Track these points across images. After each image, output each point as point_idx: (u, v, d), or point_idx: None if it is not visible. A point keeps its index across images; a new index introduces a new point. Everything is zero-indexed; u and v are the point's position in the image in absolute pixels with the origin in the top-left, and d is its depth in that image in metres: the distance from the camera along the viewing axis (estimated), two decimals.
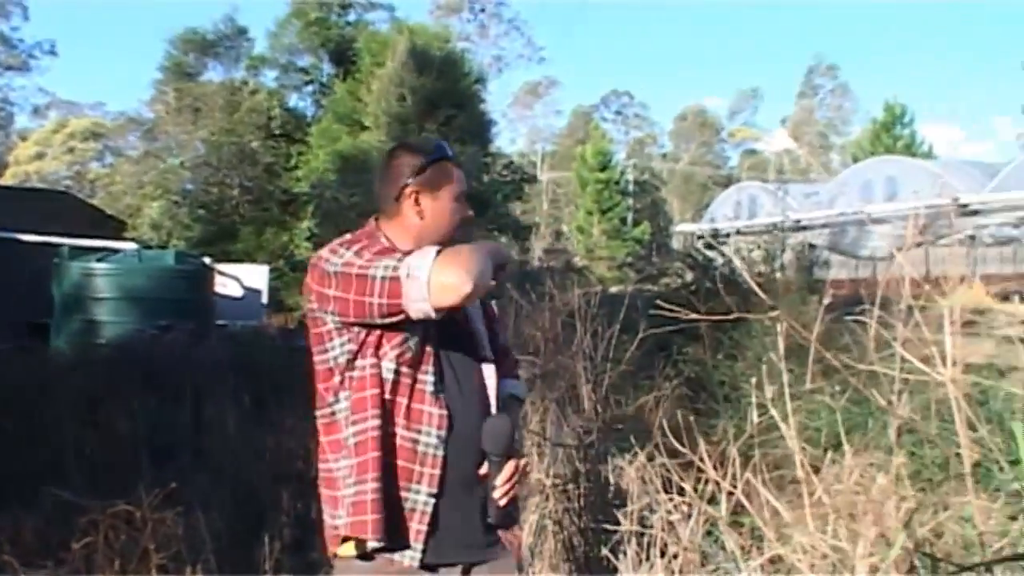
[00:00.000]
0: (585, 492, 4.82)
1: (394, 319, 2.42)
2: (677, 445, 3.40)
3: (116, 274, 14.88)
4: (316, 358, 2.58)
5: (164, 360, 10.53)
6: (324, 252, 2.54)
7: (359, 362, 2.53)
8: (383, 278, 2.37)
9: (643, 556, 4.01)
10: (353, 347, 2.52)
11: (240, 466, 6.67)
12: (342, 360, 2.53)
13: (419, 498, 2.53)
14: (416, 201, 2.64)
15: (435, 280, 2.32)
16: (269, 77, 36.32)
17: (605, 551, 4.16)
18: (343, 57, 33.31)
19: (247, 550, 4.99)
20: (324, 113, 33.01)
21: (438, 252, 2.37)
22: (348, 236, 2.64)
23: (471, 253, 2.42)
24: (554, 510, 4.83)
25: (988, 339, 7.29)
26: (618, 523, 4.26)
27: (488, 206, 27.02)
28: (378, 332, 2.51)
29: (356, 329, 2.50)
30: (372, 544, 2.46)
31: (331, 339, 2.53)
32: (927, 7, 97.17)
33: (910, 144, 48.69)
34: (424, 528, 2.52)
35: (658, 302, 3.42)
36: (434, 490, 2.54)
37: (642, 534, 4.07)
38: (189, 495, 5.04)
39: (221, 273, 18.90)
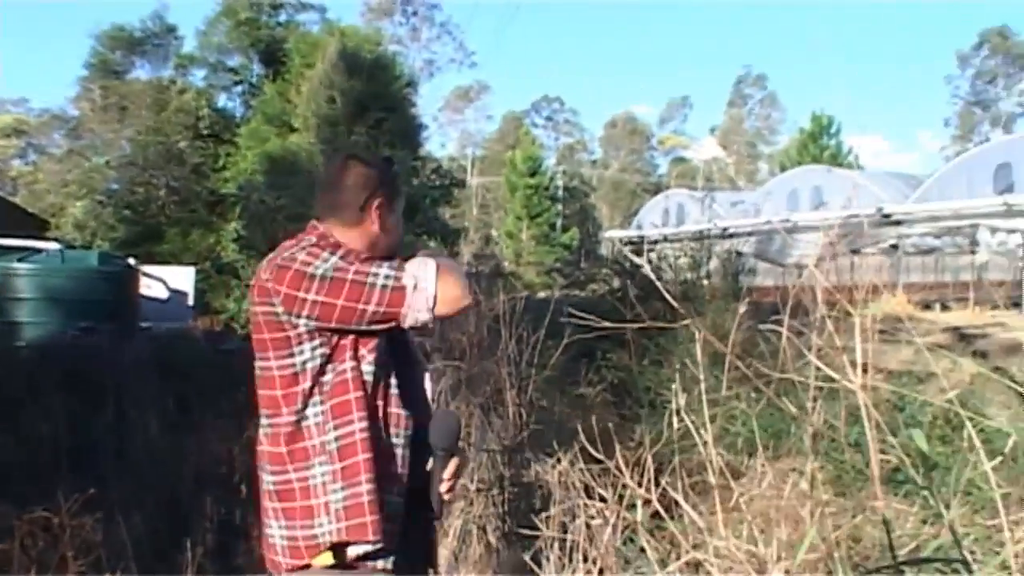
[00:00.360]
0: (509, 497, 4.84)
1: (382, 326, 2.49)
2: (594, 452, 3.43)
3: (38, 274, 14.58)
4: (274, 363, 2.53)
5: (86, 363, 10.36)
6: (298, 255, 2.51)
7: (334, 366, 2.53)
8: (384, 287, 2.44)
9: (565, 560, 4.04)
10: (326, 351, 2.52)
11: (163, 471, 6.59)
12: (313, 365, 2.51)
13: (394, 500, 2.55)
14: (380, 213, 2.69)
15: (442, 292, 2.46)
16: (198, 76, 35.95)
17: (528, 556, 4.18)
18: (273, 58, 33.05)
19: (169, 556, 4.94)
20: (253, 114, 32.72)
21: (437, 265, 2.48)
22: (310, 239, 2.61)
23: (459, 268, 2.60)
24: (478, 515, 4.84)
25: (908, 347, 7.42)
26: (541, 528, 4.29)
27: (417, 210, 26.95)
28: (351, 336, 2.53)
29: (328, 333, 2.51)
30: (363, 549, 2.47)
31: (299, 343, 2.51)
32: (855, 21, 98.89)
33: (836, 154, 49.49)
34: (398, 530, 2.55)
35: (570, 310, 3.45)
36: (404, 491, 2.58)
37: (564, 539, 4.10)
38: (110, 500, 4.97)
39: (146, 275, 18.62)
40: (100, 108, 34.89)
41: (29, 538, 4.31)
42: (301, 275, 2.45)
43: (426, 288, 2.45)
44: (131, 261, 17.86)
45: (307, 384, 2.51)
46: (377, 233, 2.69)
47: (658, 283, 3.94)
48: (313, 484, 2.50)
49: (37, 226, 25.65)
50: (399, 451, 2.58)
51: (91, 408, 8.37)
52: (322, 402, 2.51)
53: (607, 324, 3.17)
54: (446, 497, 2.69)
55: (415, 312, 2.46)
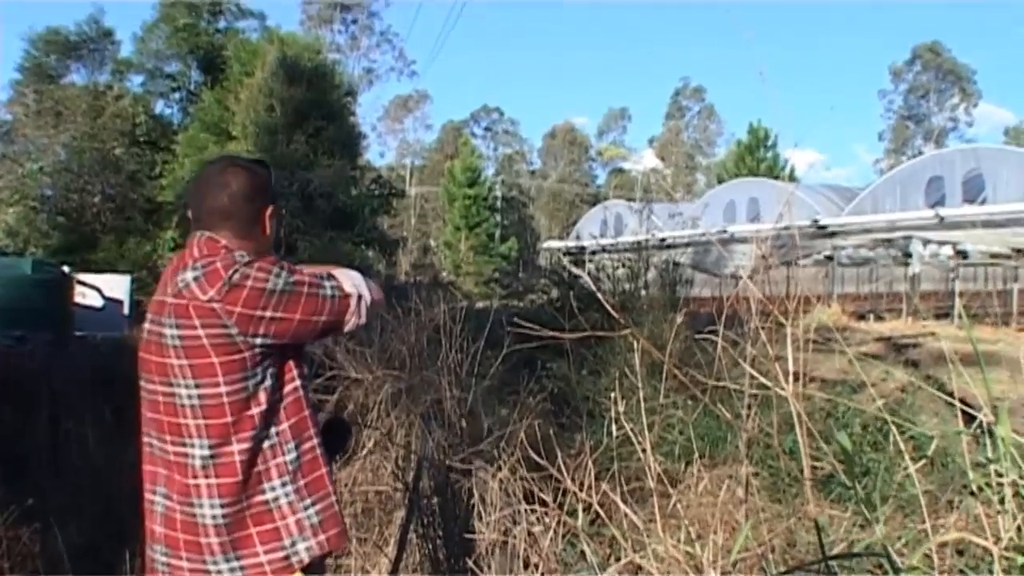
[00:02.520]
0: (450, 505, 4.87)
1: (324, 336, 2.57)
2: (537, 458, 3.47)
3: None
4: (223, 389, 2.41)
5: (19, 372, 10.20)
6: (247, 272, 2.40)
7: (285, 384, 2.52)
8: (333, 297, 2.48)
9: (507, 567, 4.08)
10: (275, 370, 2.48)
11: (100, 481, 6.52)
12: (266, 385, 2.45)
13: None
14: (271, 221, 2.66)
15: (375, 299, 2.58)
16: (135, 82, 35.67)
17: (470, 563, 4.21)
18: (212, 64, 32.86)
19: (107, 566, 4.90)
20: (191, 121, 32.50)
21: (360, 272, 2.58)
22: (241, 255, 2.47)
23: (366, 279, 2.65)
24: (419, 523, 4.87)
25: (842, 356, 7.56)
26: (482, 535, 4.32)
27: (356, 220, 26.92)
28: (289, 353, 2.53)
29: (276, 352, 2.47)
30: (312, 557, 2.48)
31: (254, 365, 2.42)
32: (793, 35, 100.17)
33: (773, 166, 50.12)
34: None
35: (516, 319, 3.49)
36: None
37: (505, 544, 4.14)
38: (46, 511, 4.92)
39: (80, 282, 18.39)
40: (34, 113, 34.39)
41: None
42: (258, 293, 2.38)
43: (365, 295, 2.53)
44: (65, 268, 17.64)
45: (262, 407, 2.43)
46: (264, 240, 2.64)
47: (599, 293, 3.99)
48: (276, 506, 2.45)
49: None
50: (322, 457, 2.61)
51: (25, 418, 8.25)
52: (277, 423, 2.47)
53: (548, 333, 3.21)
54: None
55: (357, 318, 2.52)
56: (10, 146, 37.15)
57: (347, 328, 2.53)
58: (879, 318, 22.55)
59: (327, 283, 2.49)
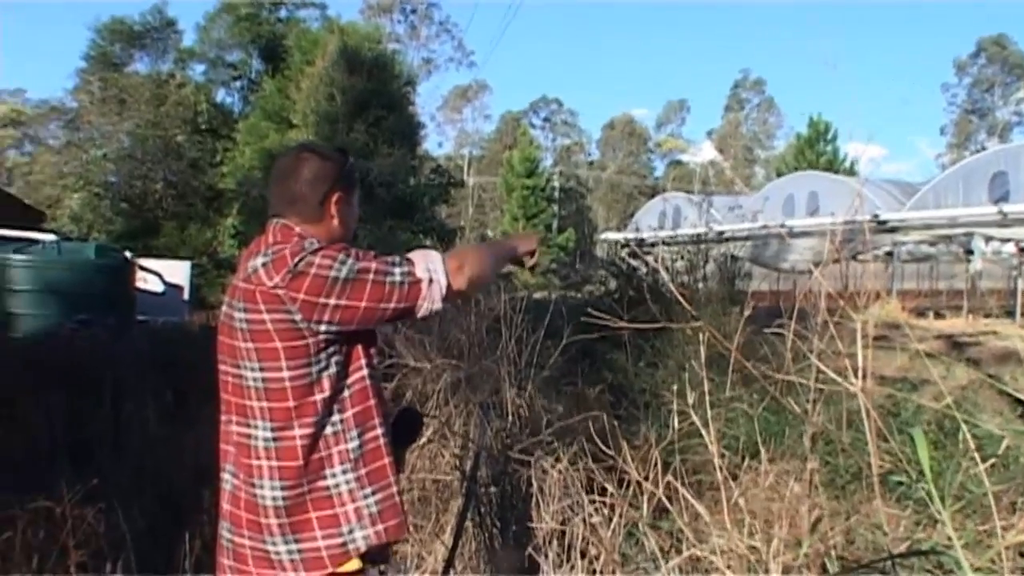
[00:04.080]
0: (507, 495, 4.87)
1: (396, 321, 2.58)
2: (602, 447, 3.47)
3: (34, 266, 14.54)
4: (286, 374, 2.45)
5: (83, 355, 10.34)
6: (312, 259, 2.42)
7: (351, 373, 2.54)
8: (402, 283, 2.46)
9: (564, 557, 4.08)
10: (341, 358, 2.51)
11: (160, 464, 6.60)
12: (329, 373, 2.47)
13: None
14: (339, 207, 2.66)
15: (453, 281, 2.53)
16: (197, 71, 36.16)
17: (526, 553, 4.22)
18: (273, 54, 33.14)
19: (167, 548, 4.95)
20: (252, 109, 32.83)
21: (442, 256, 2.54)
22: (311, 242, 2.51)
23: (475, 256, 2.64)
24: (476, 512, 4.87)
25: (903, 353, 7.47)
26: (540, 525, 4.32)
27: (415, 209, 27.00)
28: (358, 340, 2.54)
29: (343, 339, 2.50)
30: (369, 545, 2.50)
31: (317, 351, 2.45)
32: (854, 27, 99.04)
33: (833, 160, 49.61)
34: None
35: (590, 310, 3.48)
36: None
37: (563, 536, 4.14)
38: (108, 492, 4.98)
39: (142, 268, 18.64)
40: (99, 100, 34.93)
41: (30, 528, 4.33)
42: (322, 280, 2.39)
43: (439, 280, 2.49)
44: (128, 254, 17.85)
45: (325, 394, 2.46)
46: (336, 227, 2.66)
47: (669, 284, 3.97)
48: (337, 492, 2.47)
49: (34, 217, 25.60)
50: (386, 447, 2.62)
51: (88, 401, 8.36)
52: (341, 410, 2.49)
53: (621, 324, 3.20)
54: None
55: (430, 303, 2.50)
56: (75, 133, 37.77)
57: (420, 314, 2.51)
58: (939, 315, 22.20)
59: (396, 269, 2.47)
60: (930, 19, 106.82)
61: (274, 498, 2.47)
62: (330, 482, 2.47)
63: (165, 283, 20.21)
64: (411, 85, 32.75)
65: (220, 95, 35.78)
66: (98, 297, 14.25)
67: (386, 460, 2.54)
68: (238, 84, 35.36)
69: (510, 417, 5.34)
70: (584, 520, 4.02)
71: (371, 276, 2.43)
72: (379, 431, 2.54)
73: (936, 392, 5.72)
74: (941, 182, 31.13)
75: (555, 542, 4.19)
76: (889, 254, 26.93)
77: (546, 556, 4.15)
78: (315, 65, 28.09)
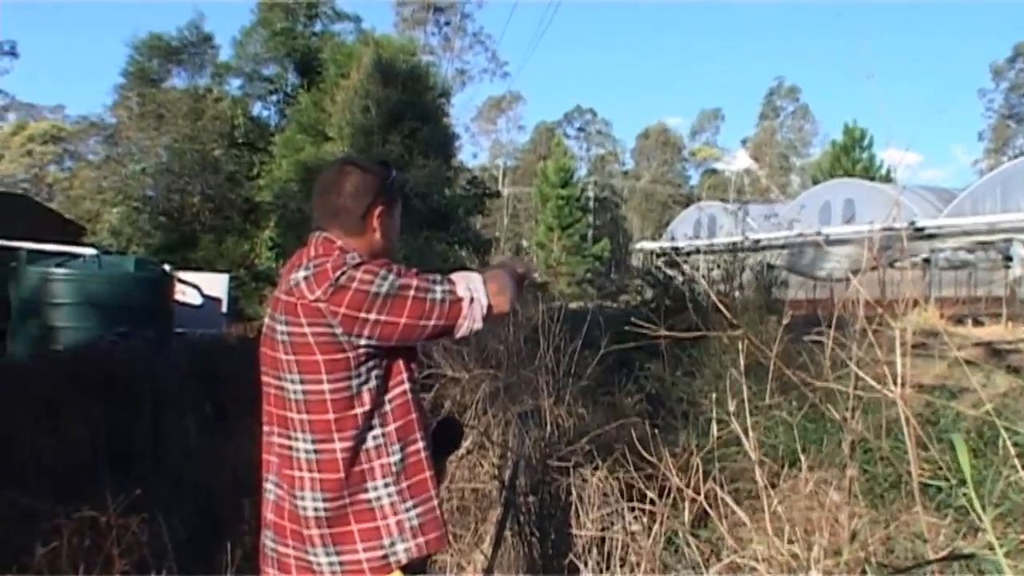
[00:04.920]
0: (546, 504, 4.88)
1: (436, 339, 2.56)
2: (644, 455, 3.48)
3: (75, 279, 14.67)
4: (327, 387, 2.47)
5: (123, 367, 10.44)
6: (354, 274, 2.44)
7: (392, 387, 2.56)
8: (443, 301, 2.48)
9: (604, 566, 4.08)
10: (381, 372, 2.53)
11: (200, 475, 6.65)
12: (370, 387, 2.49)
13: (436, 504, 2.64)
14: (381, 220, 2.67)
15: (494, 303, 2.54)
16: (233, 85, 36.28)
17: (568, 560, 4.23)
18: (308, 67, 33.27)
19: (208, 558, 4.99)
20: (288, 123, 32.94)
21: (483, 277, 2.55)
22: (353, 256, 2.53)
23: (504, 278, 2.62)
24: (515, 521, 4.89)
25: (941, 361, 7.41)
26: (579, 533, 4.33)
27: (450, 220, 27.04)
28: (399, 355, 2.57)
29: (383, 353, 2.52)
30: (411, 558, 2.52)
31: (357, 365, 2.47)
32: (889, 34, 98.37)
33: (869, 167, 49.26)
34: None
35: (633, 319, 3.49)
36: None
37: (602, 543, 4.14)
38: (150, 502, 5.03)
39: (181, 281, 18.75)
40: (137, 115, 35.20)
41: (76, 537, 4.38)
42: (363, 295, 2.41)
43: (480, 299, 2.50)
44: (166, 267, 17.98)
45: (366, 407, 2.48)
46: (378, 240, 2.67)
47: (711, 294, 3.97)
48: (379, 505, 2.49)
49: (74, 232, 25.87)
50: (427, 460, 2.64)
51: (129, 412, 8.44)
52: (383, 424, 2.51)
53: (662, 333, 3.21)
54: None
55: (471, 322, 2.51)
56: (114, 148, 38.09)
57: (459, 333, 2.53)
58: (978, 323, 22.01)
59: (438, 287, 2.49)
60: (966, 24, 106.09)
61: (316, 509, 2.49)
62: (372, 495, 2.49)
63: (203, 295, 20.34)
64: (445, 97, 32.79)
65: (256, 109, 35.97)
66: (137, 310, 14.37)
67: (427, 473, 2.56)
68: (274, 98, 35.52)
69: (548, 426, 5.35)
70: (624, 528, 4.03)
71: (412, 292, 2.45)
72: (420, 444, 2.56)
73: (975, 400, 5.68)
74: (979, 188, 30.87)
75: (594, 550, 4.20)
76: (926, 261, 26.74)
77: (585, 564, 4.16)
78: (350, 78, 28.19)
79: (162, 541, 4.78)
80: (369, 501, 2.48)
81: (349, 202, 2.63)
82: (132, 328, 13.33)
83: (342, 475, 2.48)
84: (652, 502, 3.61)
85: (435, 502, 2.56)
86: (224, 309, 21.68)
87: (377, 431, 2.49)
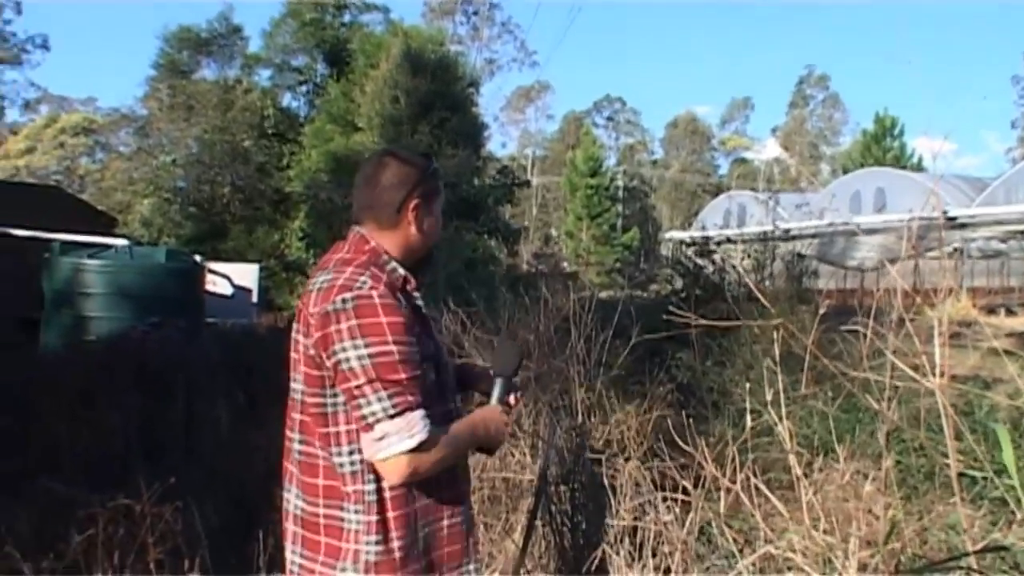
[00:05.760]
0: (577, 493, 4.88)
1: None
2: (680, 444, 3.46)
3: (107, 270, 14.78)
4: (310, 399, 2.47)
5: (155, 357, 10.51)
6: (349, 311, 2.35)
7: None
8: (364, 416, 2.34)
9: (635, 555, 4.08)
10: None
11: (233, 463, 6.70)
12: (346, 412, 2.42)
13: (463, 515, 2.67)
14: (417, 214, 2.60)
15: (382, 468, 2.38)
16: (263, 76, 36.40)
17: (602, 549, 4.22)
18: (337, 58, 33.31)
19: (241, 546, 5.02)
20: (317, 113, 32.99)
21: (420, 443, 2.35)
22: (353, 266, 2.46)
23: (441, 454, 2.43)
24: (546, 510, 4.89)
25: (974, 351, 7.36)
26: (611, 523, 4.33)
27: (479, 209, 27.01)
28: None
29: None
30: None
31: (331, 385, 2.42)
32: (920, 21, 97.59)
33: (900, 156, 48.96)
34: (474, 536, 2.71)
35: (668, 308, 3.48)
36: (467, 496, 2.72)
37: (634, 534, 4.14)
38: (183, 491, 5.06)
39: (212, 271, 18.87)
40: (168, 107, 35.40)
41: (111, 525, 4.41)
42: (336, 341, 2.34)
43: (383, 448, 2.35)
44: (197, 258, 18.08)
45: (339, 428, 2.43)
46: (414, 234, 2.60)
47: (747, 280, 3.95)
48: (347, 528, 2.44)
49: (106, 223, 26.00)
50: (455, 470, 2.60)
51: (162, 402, 8.50)
52: (361, 451, 2.42)
53: (701, 322, 3.20)
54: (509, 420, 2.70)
55: (366, 448, 2.38)
56: (145, 140, 38.35)
57: (366, 451, 2.40)
58: (1011, 313, 21.81)
59: (379, 406, 2.33)
60: (998, 10, 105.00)
61: (295, 506, 2.53)
62: (344, 515, 2.44)
63: (234, 286, 20.47)
64: (474, 86, 32.72)
65: (286, 99, 36.06)
66: (169, 300, 14.47)
67: (398, 512, 2.45)
68: (303, 88, 35.57)
69: (580, 416, 5.35)
70: (656, 518, 4.02)
71: (361, 381, 2.34)
72: (395, 485, 2.45)
73: (1010, 390, 5.63)
74: (1012, 177, 30.56)
75: (626, 540, 4.20)
76: (959, 251, 26.53)
77: (617, 553, 4.15)
78: (379, 68, 28.18)
79: (195, 530, 4.81)
80: (341, 520, 2.45)
81: (384, 195, 2.57)
82: (164, 318, 13.43)
83: (319, 482, 2.47)
84: (686, 491, 3.60)
85: (398, 544, 2.44)
86: (254, 299, 21.80)
87: (356, 456, 2.42)
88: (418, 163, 2.65)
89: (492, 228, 28.14)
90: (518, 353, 2.74)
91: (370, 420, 2.33)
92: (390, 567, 2.43)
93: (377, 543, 2.42)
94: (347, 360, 2.32)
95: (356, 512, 2.43)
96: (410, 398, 2.34)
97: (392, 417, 2.32)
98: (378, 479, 2.42)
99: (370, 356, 2.32)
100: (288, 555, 2.55)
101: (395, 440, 2.32)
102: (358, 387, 2.33)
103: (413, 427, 2.33)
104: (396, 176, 2.59)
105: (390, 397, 2.32)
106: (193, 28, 35.39)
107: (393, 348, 2.33)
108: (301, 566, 2.51)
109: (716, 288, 9.52)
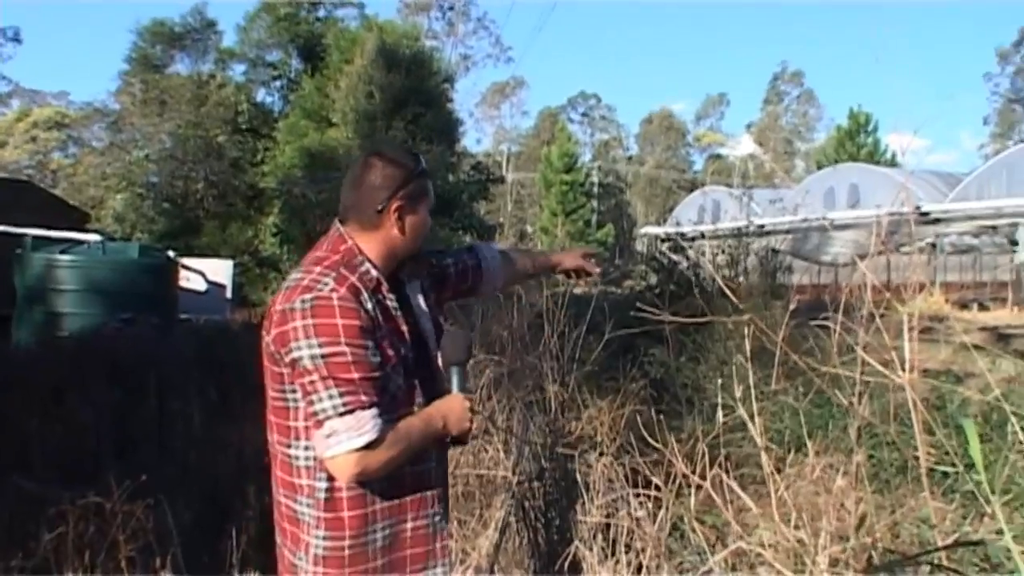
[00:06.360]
0: (551, 489, 4.88)
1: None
2: (648, 442, 3.46)
3: (79, 266, 14.71)
4: (271, 393, 2.49)
5: (128, 353, 10.46)
6: (308, 312, 2.34)
7: None
8: (317, 412, 2.33)
9: (609, 552, 4.08)
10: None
11: (205, 460, 6.66)
12: (303, 407, 2.41)
13: (427, 520, 2.64)
14: (399, 216, 2.56)
15: (330, 465, 2.37)
16: (237, 71, 36.37)
17: (572, 547, 4.22)
18: (312, 53, 33.27)
19: (213, 544, 5.00)
20: (292, 109, 32.95)
21: (368, 443, 2.32)
22: (322, 266, 2.45)
23: (392, 452, 2.39)
24: (519, 507, 4.89)
25: (946, 346, 7.41)
26: (583, 520, 4.33)
27: (454, 206, 27.03)
28: None
29: None
30: None
31: (289, 382, 2.42)
32: (893, 18, 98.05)
33: (874, 152, 49.24)
34: (443, 541, 2.66)
35: (639, 304, 3.48)
36: (440, 501, 2.68)
37: (607, 530, 4.14)
38: (155, 488, 5.03)
39: (185, 267, 18.79)
40: (140, 102, 35.28)
41: (82, 523, 4.39)
42: (291, 338, 2.34)
43: (331, 445, 2.33)
44: (170, 253, 18.01)
45: (299, 423, 2.44)
46: (396, 236, 2.56)
47: (717, 277, 3.96)
48: (303, 519, 2.47)
49: (78, 218, 25.87)
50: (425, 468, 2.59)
51: (134, 398, 8.45)
52: (315, 447, 2.41)
53: (670, 318, 3.20)
54: (472, 418, 2.63)
55: (316, 445, 2.38)
56: (118, 134, 38.18)
57: (318, 448, 2.38)
58: (983, 307, 21.97)
59: (330, 404, 2.32)
60: (971, 7, 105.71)
61: (275, 495, 2.56)
62: (298, 508, 2.47)
63: (208, 282, 20.39)
64: (449, 82, 32.73)
65: (260, 95, 36.00)
66: (142, 296, 14.42)
67: (347, 514, 2.45)
68: (278, 84, 35.51)
69: (553, 412, 5.35)
70: (629, 514, 4.02)
71: (315, 377, 2.33)
72: (352, 485, 2.45)
73: (981, 385, 5.67)
74: (984, 172, 30.81)
75: (599, 536, 4.20)
76: (932, 246, 26.70)
77: (591, 550, 4.15)
78: (353, 63, 28.16)
79: (167, 527, 4.78)
80: (296, 512, 2.48)
81: (366, 195, 2.55)
82: (136, 314, 13.40)
83: (283, 476, 2.50)
84: (658, 488, 3.60)
85: (348, 543, 2.44)
86: (228, 295, 21.72)
87: (311, 452, 2.42)
88: (405, 164, 2.60)
89: (467, 224, 28.18)
90: (468, 339, 2.72)
91: (320, 417, 2.32)
92: (337, 563, 2.44)
93: (325, 539, 2.43)
94: (301, 358, 2.32)
95: (308, 506, 2.45)
96: (363, 398, 2.33)
97: (342, 415, 2.31)
98: (329, 478, 2.42)
99: (323, 356, 2.31)
100: (277, 538, 2.58)
101: (344, 438, 2.30)
102: (311, 383, 2.32)
103: (363, 426, 2.31)
104: (381, 177, 2.55)
105: (341, 395, 2.31)
106: (166, 22, 35.30)
107: (346, 349, 2.32)
108: (278, 545, 2.57)
109: (690, 284, 9.53)
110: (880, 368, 2.36)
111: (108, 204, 33.81)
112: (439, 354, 2.66)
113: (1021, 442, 2.38)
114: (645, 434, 3.55)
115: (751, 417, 2.84)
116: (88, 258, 15.06)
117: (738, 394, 2.90)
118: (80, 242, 16.08)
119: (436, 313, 2.82)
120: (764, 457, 2.78)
